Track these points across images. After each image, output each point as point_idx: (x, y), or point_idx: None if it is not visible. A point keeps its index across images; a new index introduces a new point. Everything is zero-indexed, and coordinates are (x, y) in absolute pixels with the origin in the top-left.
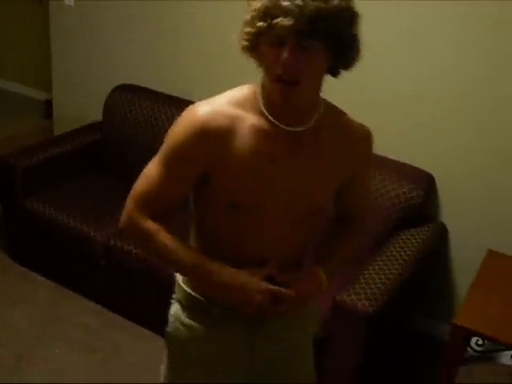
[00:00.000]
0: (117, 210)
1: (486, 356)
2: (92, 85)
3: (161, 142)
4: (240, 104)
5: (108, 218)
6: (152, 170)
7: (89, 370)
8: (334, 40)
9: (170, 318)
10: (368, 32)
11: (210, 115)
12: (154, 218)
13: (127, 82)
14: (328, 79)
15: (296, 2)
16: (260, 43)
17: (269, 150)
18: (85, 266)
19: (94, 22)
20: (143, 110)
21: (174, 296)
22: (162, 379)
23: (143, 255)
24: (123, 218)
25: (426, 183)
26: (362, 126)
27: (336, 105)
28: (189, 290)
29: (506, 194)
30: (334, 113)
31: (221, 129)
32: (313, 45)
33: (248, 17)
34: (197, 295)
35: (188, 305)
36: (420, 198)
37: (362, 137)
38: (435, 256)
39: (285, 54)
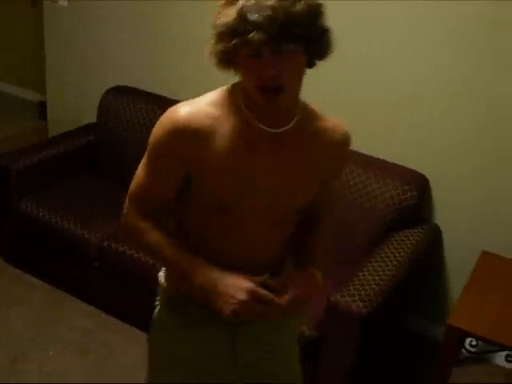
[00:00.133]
0: (111, 212)
1: (480, 357)
2: (86, 86)
3: None
4: (221, 105)
5: (102, 220)
6: (139, 169)
7: (83, 372)
8: (308, 39)
9: (153, 320)
10: (364, 34)
11: (190, 115)
12: (146, 216)
13: (122, 83)
14: (324, 82)
15: (264, 14)
16: (235, 56)
17: (249, 151)
18: (78, 268)
19: (89, 23)
20: (137, 112)
21: (157, 298)
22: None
23: (137, 257)
24: (122, 215)
25: (419, 185)
26: (339, 130)
27: (314, 105)
28: (169, 290)
29: (499, 195)
30: (313, 116)
31: (200, 129)
32: (289, 48)
33: (217, 32)
34: (177, 294)
35: (168, 304)
36: (414, 199)
37: (338, 141)
38: (429, 257)
39: (265, 67)
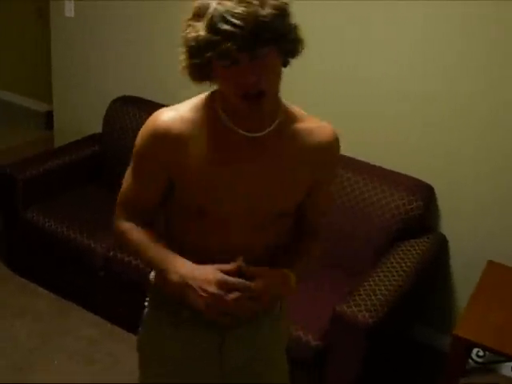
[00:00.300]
0: None
1: (487, 367)
2: (92, 96)
3: None
4: (201, 110)
5: (107, 230)
6: (126, 174)
7: (88, 382)
8: (280, 40)
9: (142, 319)
10: (368, 43)
11: (170, 121)
12: (133, 219)
13: (127, 93)
14: (330, 93)
15: (235, 22)
16: (210, 68)
17: (227, 156)
18: (84, 278)
19: (95, 34)
20: (143, 122)
21: (147, 299)
22: None
23: (142, 267)
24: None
25: (425, 194)
26: (324, 131)
27: (297, 108)
28: (159, 290)
29: (505, 204)
30: (295, 118)
31: (180, 134)
32: (264, 52)
33: (189, 47)
34: (166, 294)
35: (157, 304)
36: (420, 209)
37: (323, 143)
38: (435, 267)
39: (243, 74)
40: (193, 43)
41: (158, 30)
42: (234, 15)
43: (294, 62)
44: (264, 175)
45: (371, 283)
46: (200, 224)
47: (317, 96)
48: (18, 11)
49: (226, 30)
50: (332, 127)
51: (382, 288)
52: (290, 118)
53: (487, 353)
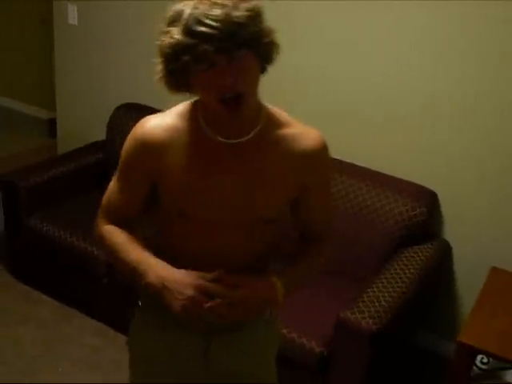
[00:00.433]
0: None
1: (492, 374)
2: (96, 103)
3: None
4: (184, 117)
5: None
6: (112, 178)
7: None
8: (256, 41)
9: (132, 320)
10: (370, 45)
11: (153, 128)
12: (115, 223)
13: (131, 100)
14: (331, 98)
15: (211, 24)
16: (188, 75)
17: (207, 163)
18: (87, 285)
19: (98, 41)
20: None
21: (138, 301)
22: None
23: None
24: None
25: (429, 200)
26: (309, 137)
27: (281, 113)
28: (148, 292)
29: (509, 211)
30: (279, 123)
31: (161, 142)
32: (241, 54)
33: (165, 54)
34: (154, 297)
35: (147, 305)
36: (423, 215)
37: (308, 149)
38: (439, 273)
39: (221, 75)
40: (168, 50)
41: None
42: (209, 17)
43: (296, 63)
44: (244, 182)
45: (375, 290)
46: (183, 227)
47: (316, 99)
48: (21, 19)
49: (202, 32)
50: (318, 133)
51: (386, 294)
52: (274, 124)
53: (491, 359)
